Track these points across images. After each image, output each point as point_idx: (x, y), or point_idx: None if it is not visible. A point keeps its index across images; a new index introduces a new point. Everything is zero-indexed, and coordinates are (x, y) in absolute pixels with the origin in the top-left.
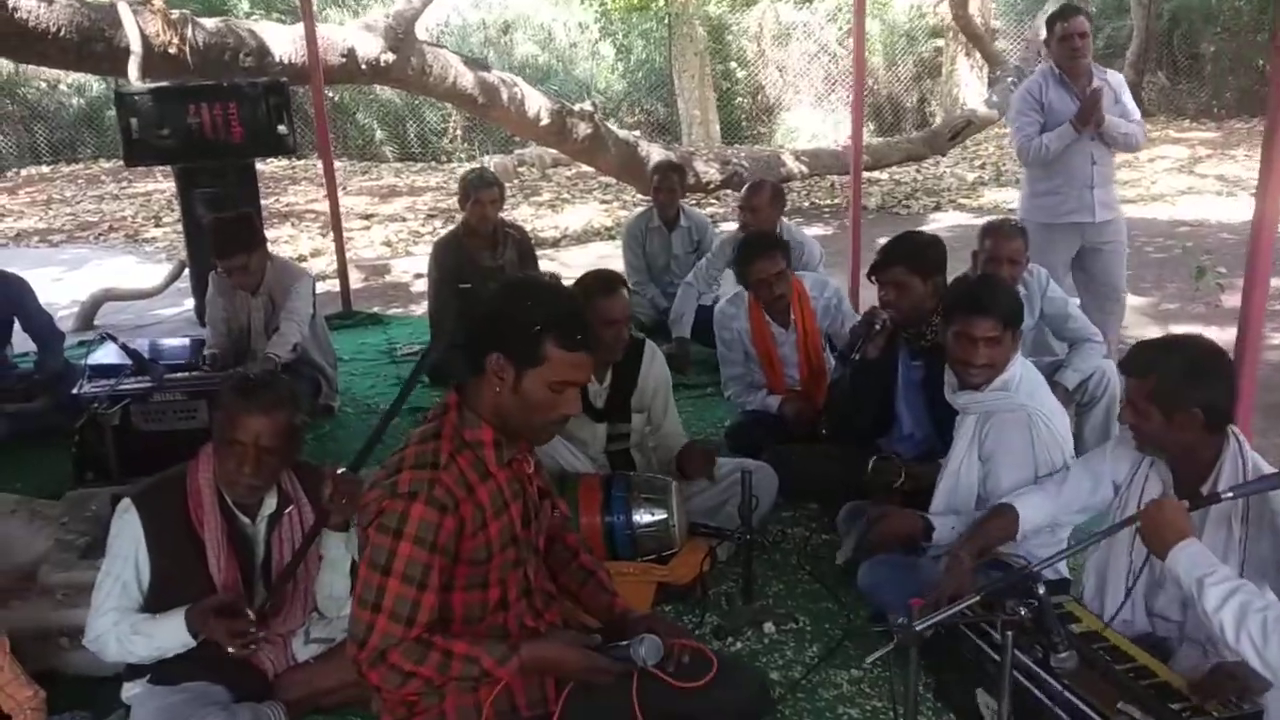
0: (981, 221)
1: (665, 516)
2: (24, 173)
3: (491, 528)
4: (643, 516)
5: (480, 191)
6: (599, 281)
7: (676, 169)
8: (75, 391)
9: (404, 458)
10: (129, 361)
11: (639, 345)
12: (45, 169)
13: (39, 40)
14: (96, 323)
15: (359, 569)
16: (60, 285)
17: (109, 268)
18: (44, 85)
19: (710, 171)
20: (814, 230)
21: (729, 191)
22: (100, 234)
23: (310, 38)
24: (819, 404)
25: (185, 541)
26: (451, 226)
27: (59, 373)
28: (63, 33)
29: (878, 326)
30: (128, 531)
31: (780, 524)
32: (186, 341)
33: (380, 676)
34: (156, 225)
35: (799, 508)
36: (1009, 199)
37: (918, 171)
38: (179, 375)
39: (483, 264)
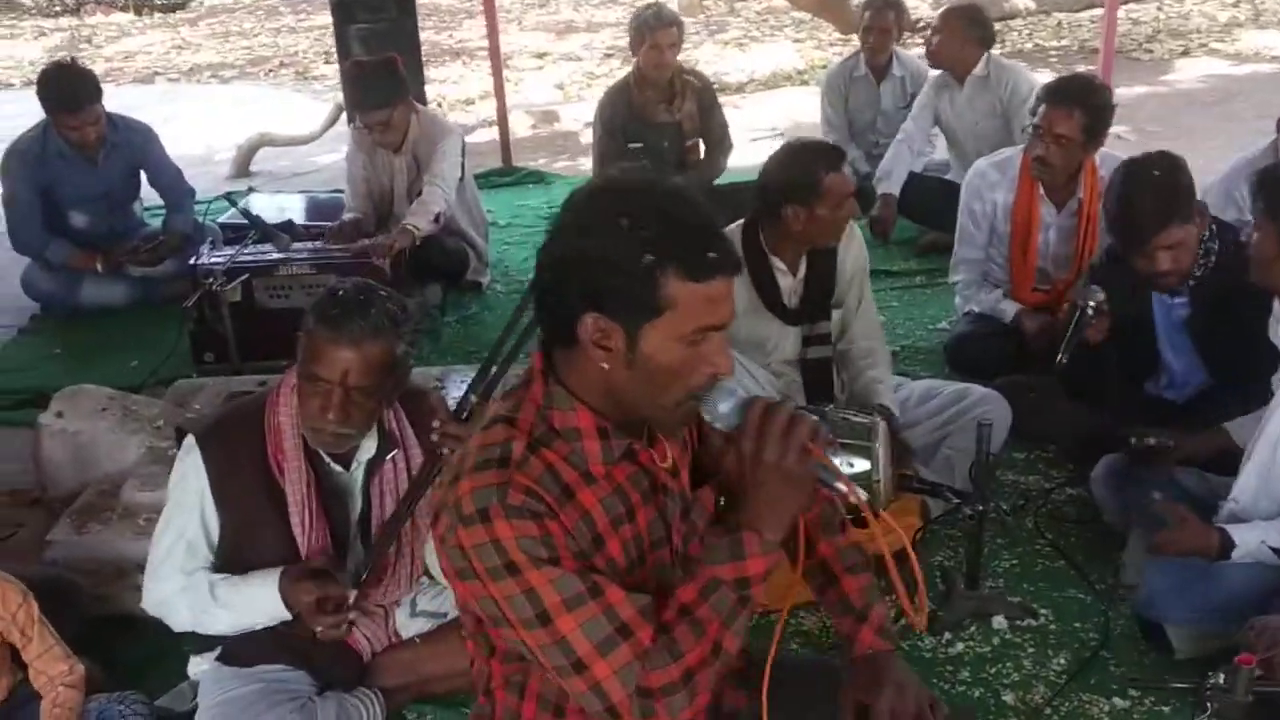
0: (1241, 70)
1: (868, 468)
2: (207, 3)
3: (610, 546)
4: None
5: (656, 33)
6: (824, 152)
7: (893, 5)
8: (193, 261)
9: (464, 455)
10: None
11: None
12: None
13: None
14: (253, 168)
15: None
16: (224, 125)
17: (275, 106)
18: None
19: (921, 6)
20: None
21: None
22: (270, 70)
23: None
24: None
25: (262, 494)
26: (627, 69)
27: (187, 234)
28: None
29: (1091, 312)
30: (191, 478)
31: (1013, 470)
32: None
33: (675, 710)
34: (326, 62)
35: (1034, 449)
36: (1271, 43)
37: (1159, 9)
38: (308, 245)
39: (656, 119)
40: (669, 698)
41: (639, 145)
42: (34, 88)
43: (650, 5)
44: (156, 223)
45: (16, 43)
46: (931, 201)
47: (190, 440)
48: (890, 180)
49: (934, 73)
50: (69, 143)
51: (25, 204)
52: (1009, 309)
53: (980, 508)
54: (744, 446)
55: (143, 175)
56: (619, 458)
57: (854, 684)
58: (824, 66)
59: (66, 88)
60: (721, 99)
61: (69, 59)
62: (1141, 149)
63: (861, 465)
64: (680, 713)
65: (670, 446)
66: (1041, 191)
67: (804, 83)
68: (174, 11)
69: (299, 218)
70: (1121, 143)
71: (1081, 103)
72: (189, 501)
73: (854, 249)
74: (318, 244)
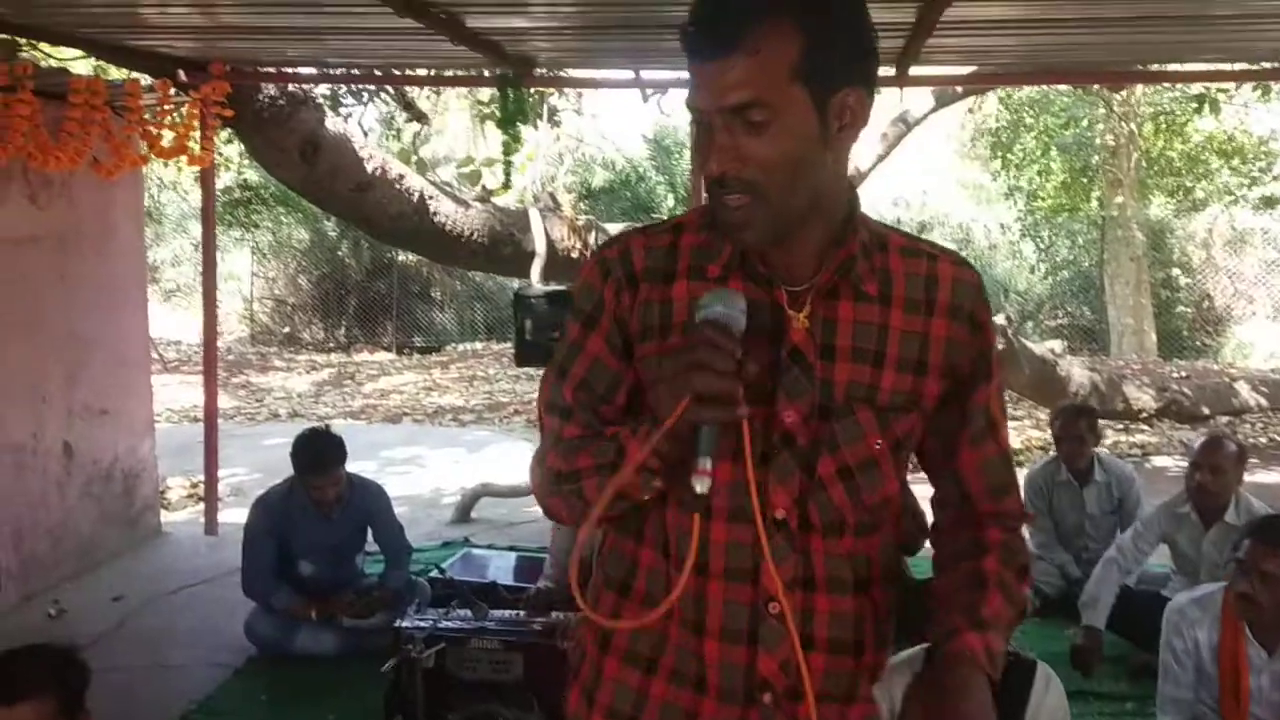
0: None
1: None
2: (460, 348)
3: (672, 341)
4: None
5: None
6: None
7: (1085, 413)
8: (398, 623)
9: None
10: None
11: (1027, 668)
12: (479, 345)
13: (453, 243)
14: (473, 515)
15: None
16: (455, 469)
17: (504, 453)
18: None
19: (1144, 398)
20: (1272, 477)
21: (1166, 420)
22: (505, 416)
23: None
24: None
25: None
26: None
27: (399, 591)
28: (475, 236)
29: None
30: None
31: None
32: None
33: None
34: None
35: None
36: None
37: None
38: (505, 615)
39: None
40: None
41: None
42: (297, 421)
43: None
44: (372, 569)
45: (291, 376)
46: (1145, 619)
47: None
48: (1096, 609)
49: (1165, 499)
50: (311, 500)
51: (262, 551)
52: None
53: None
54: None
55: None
56: (742, 272)
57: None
58: (1043, 447)
59: (317, 454)
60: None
61: (324, 427)
62: None
63: None
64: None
65: (817, 312)
66: (1248, 632)
67: (1020, 463)
68: (429, 354)
69: (505, 578)
70: None
71: None
72: None
73: (1051, 700)
74: (515, 614)
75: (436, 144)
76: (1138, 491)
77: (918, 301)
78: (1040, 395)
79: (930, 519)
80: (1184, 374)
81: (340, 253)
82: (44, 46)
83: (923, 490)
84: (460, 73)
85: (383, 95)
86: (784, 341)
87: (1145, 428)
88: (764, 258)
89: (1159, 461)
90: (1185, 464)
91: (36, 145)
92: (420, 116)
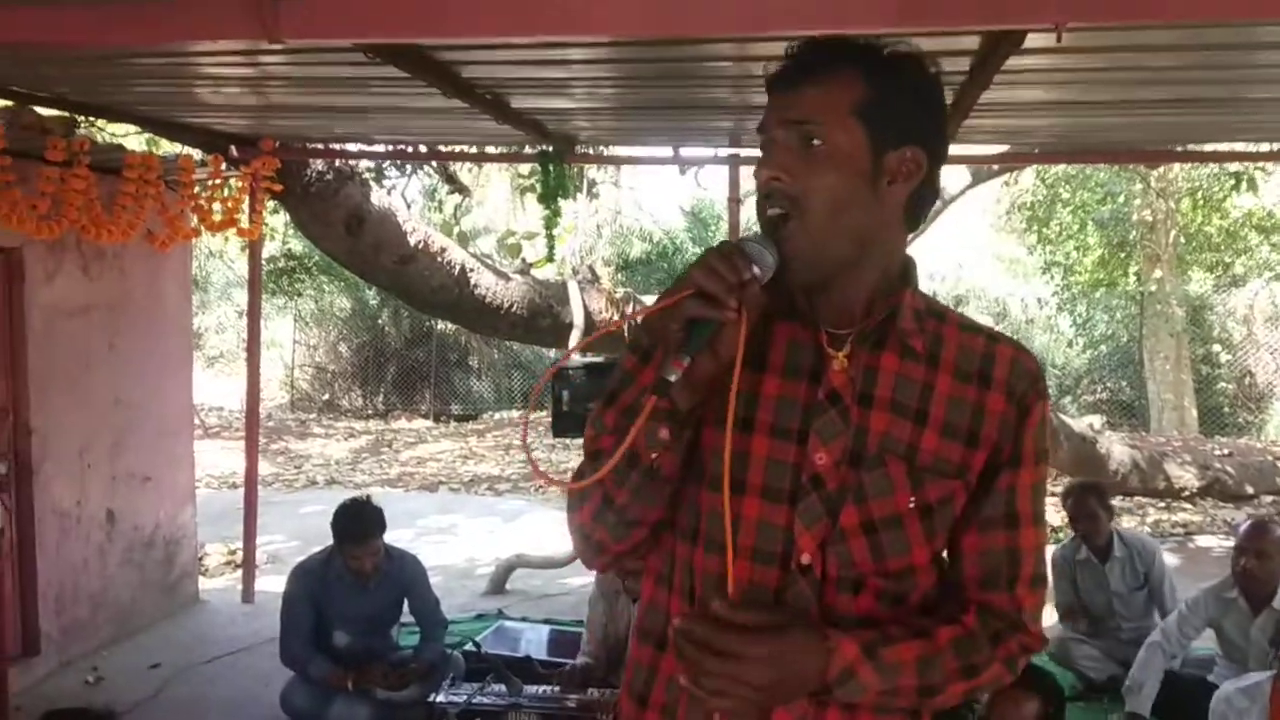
0: None
1: None
2: (497, 416)
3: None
4: None
5: None
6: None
7: (1092, 490)
8: (433, 698)
9: None
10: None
11: None
12: (515, 414)
13: (493, 314)
14: (507, 586)
15: None
16: (490, 539)
17: (538, 523)
18: None
19: (1186, 476)
20: None
21: (1209, 499)
22: (540, 486)
23: None
24: None
25: None
26: None
27: (434, 663)
28: (514, 308)
29: None
30: None
31: None
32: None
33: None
34: None
35: None
36: None
37: None
38: (540, 690)
39: None
40: (577, 544)
41: None
42: (335, 489)
43: None
44: (406, 640)
45: (329, 442)
46: (1190, 706)
47: None
48: (1140, 696)
49: (1212, 582)
50: (348, 569)
51: (300, 619)
52: None
53: None
54: None
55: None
56: (788, 310)
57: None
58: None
59: (357, 524)
60: None
61: (365, 497)
62: None
63: None
64: (588, 560)
65: (859, 359)
66: None
67: (1058, 540)
68: (466, 421)
69: (539, 652)
70: None
71: None
72: None
73: None
74: (550, 689)
75: (477, 215)
76: (1162, 563)
77: (970, 373)
78: (1080, 472)
79: None
80: (1226, 451)
81: (380, 321)
82: (99, 122)
83: None
84: (503, 149)
85: (426, 168)
86: (823, 382)
87: (1188, 506)
88: (811, 299)
89: (1203, 541)
90: (1230, 545)
91: (91, 219)
92: (462, 189)
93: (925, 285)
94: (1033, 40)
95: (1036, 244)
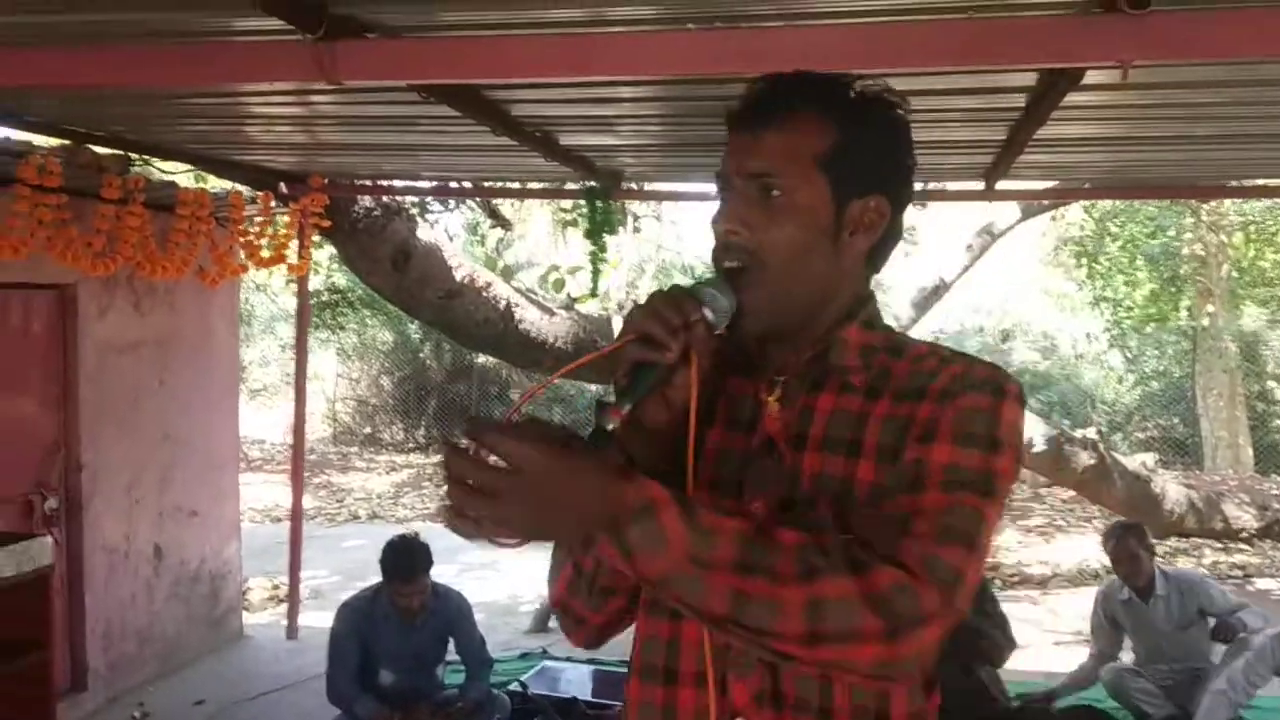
0: None
1: None
2: None
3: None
4: None
5: None
6: None
7: (1132, 531)
8: None
9: None
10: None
11: None
12: None
13: (537, 349)
14: (550, 624)
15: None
16: (533, 576)
17: None
18: None
19: (1244, 517)
20: None
21: (1268, 540)
22: None
23: None
24: None
25: None
26: None
27: (480, 703)
28: (559, 343)
29: None
30: None
31: None
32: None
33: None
34: None
35: None
36: None
37: None
38: None
39: None
40: (559, 616)
41: None
42: (377, 523)
43: None
44: (451, 679)
45: (371, 476)
46: None
47: None
48: None
49: (1278, 629)
50: (395, 607)
51: (348, 657)
52: None
53: None
54: None
55: (451, 642)
56: (745, 364)
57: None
58: None
59: (405, 561)
60: (1021, 593)
61: (413, 534)
62: None
63: None
64: (569, 632)
65: (796, 402)
66: None
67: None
68: None
69: (584, 692)
70: None
71: None
72: None
73: None
74: None
75: (518, 249)
76: (1213, 590)
77: (909, 390)
78: (1135, 513)
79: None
80: None
81: (422, 354)
82: (153, 160)
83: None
84: (546, 184)
85: (469, 202)
86: (758, 431)
87: (1245, 547)
88: (764, 347)
89: (1262, 584)
90: None
91: (145, 255)
92: (504, 223)
93: (971, 320)
94: (1093, 76)
95: (1085, 279)
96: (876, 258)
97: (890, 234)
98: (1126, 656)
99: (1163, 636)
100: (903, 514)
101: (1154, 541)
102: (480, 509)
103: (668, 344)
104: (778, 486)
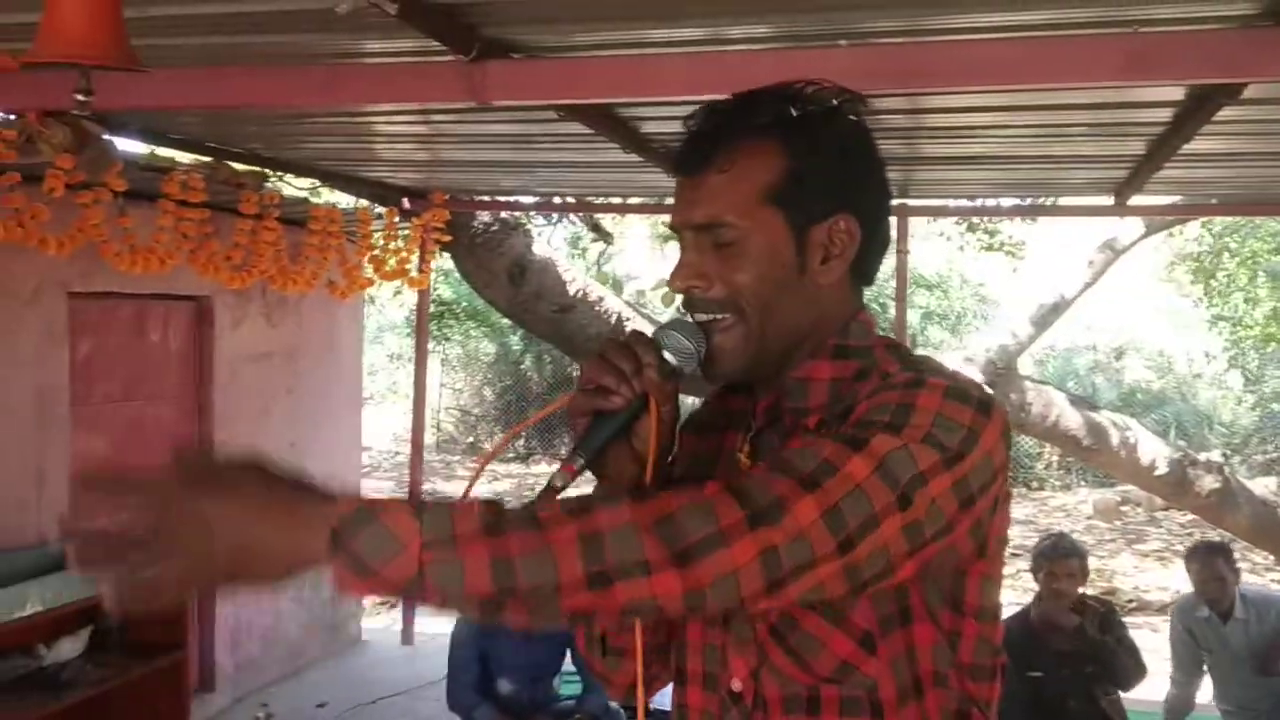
0: None
1: None
2: None
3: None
4: None
5: (1055, 564)
6: None
7: (1219, 551)
8: None
9: None
10: None
11: None
12: None
13: None
14: None
15: None
16: None
17: None
18: None
19: None
20: None
21: None
22: None
23: None
24: None
25: None
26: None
27: (596, 715)
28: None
29: None
30: None
31: None
32: None
33: None
34: None
35: None
36: None
37: None
38: None
39: (1056, 647)
40: None
41: (1038, 674)
42: None
43: (1049, 536)
44: (567, 689)
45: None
46: None
47: None
48: None
49: None
50: None
51: (467, 665)
52: None
53: None
54: None
55: (568, 653)
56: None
57: None
58: None
59: None
60: (1140, 620)
61: None
62: None
63: None
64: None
65: (770, 444)
66: None
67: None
68: None
69: None
70: None
71: None
72: None
73: None
74: None
75: (618, 262)
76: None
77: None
78: (1261, 540)
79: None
80: None
81: (523, 366)
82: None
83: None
84: (648, 200)
85: (571, 216)
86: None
87: None
88: (754, 402)
89: None
90: None
91: (279, 269)
92: (606, 237)
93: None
94: (1250, 91)
95: (1202, 296)
96: (862, 273)
97: (872, 246)
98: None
99: (1236, 660)
100: (792, 455)
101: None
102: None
103: (616, 390)
104: None
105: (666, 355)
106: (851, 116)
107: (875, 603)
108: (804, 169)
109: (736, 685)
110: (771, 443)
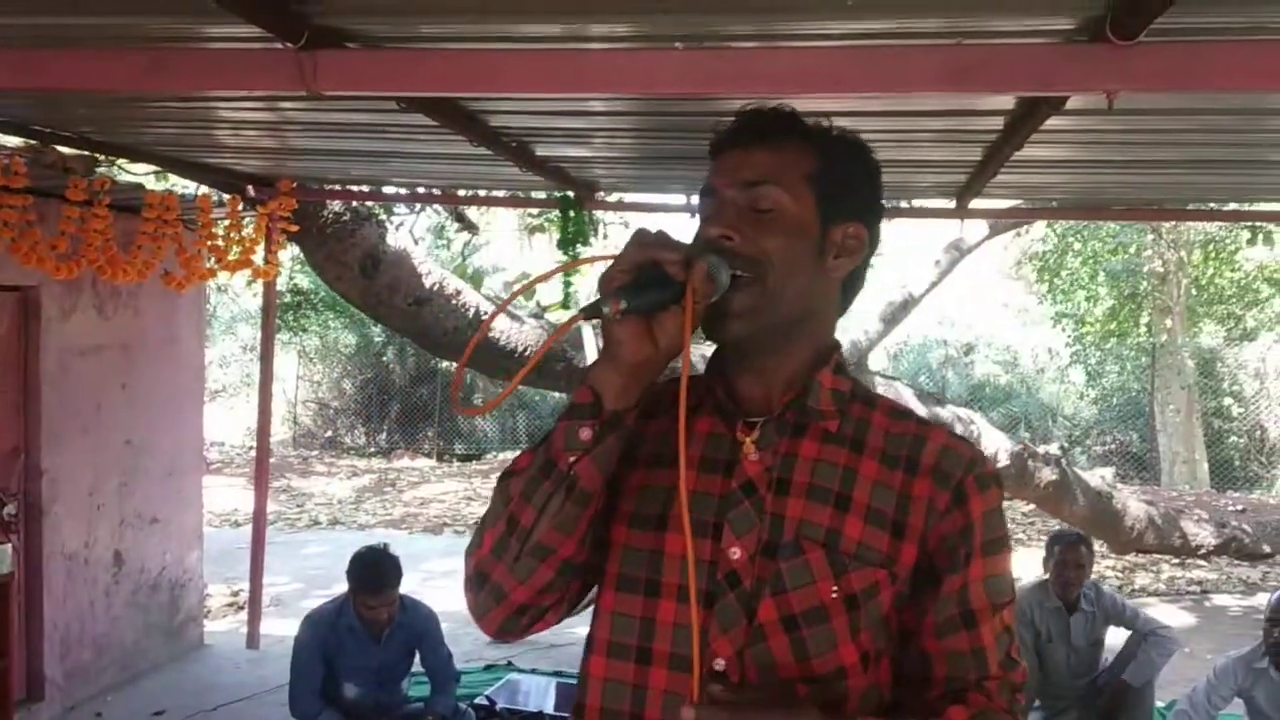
0: None
1: None
2: (500, 456)
3: (632, 478)
4: None
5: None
6: None
7: (1082, 539)
8: None
9: None
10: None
11: None
12: (520, 453)
13: (506, 358)
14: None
15: None
16: None
17: None
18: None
19: (1202, 534)
20: None
21: (1224, 556)
22: None
23: None
24: None
25: None
26: None
27: (445, 717)
28: (527, 352)
29: None
30: None
31: None
32: None
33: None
34: None
35: None
36: None
37: None
38: None
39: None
40: (471, 593)
41: None
42: (338, 529)
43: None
44: (415, 690)
45: (332, 480)
46: None
47: None
48: None
49: (1241, 651)
50: (361, 619)
51: (310, 669)
52: None
53: None
54: None
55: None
56: (711, 406)
57: None
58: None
59: (374, 573)
60: None
61: (383, 545)
62: None
63: None
64: (482, 613)
65: (775, 446)
66: None
67: None
68: (470, 461)
69: (549, 706)
70: None
71: None
72: None
73: None
74: None
75: (484, 254)
76: (1134, 618)
77: (897, 457)
78: (1096, 529)
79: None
80: (1241, 508)
81: (385, 358)
82: (119, 161)
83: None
84: (519, 193)
85: (435, 206)
86: (736, 473)
87: (1202, 563)
88: (732, 387)
89: (1219, 600)
90: (1246, 603)
91: (108, 259)
92: (471, 228)
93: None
94: (1075, 102)
95: (1047, 294)
96: (850, 291)
97: (863, 270)
98: None
99: (1073, 652)
100: (975, 649)
101: (1114, 557)
102: None
103: (677, 259)
104: (759, 531)
105: (710, 260)
106: (872, 157)
107: (877, 633)
108: (836, 175)
109: (720, 664)
110: (779, 435)
